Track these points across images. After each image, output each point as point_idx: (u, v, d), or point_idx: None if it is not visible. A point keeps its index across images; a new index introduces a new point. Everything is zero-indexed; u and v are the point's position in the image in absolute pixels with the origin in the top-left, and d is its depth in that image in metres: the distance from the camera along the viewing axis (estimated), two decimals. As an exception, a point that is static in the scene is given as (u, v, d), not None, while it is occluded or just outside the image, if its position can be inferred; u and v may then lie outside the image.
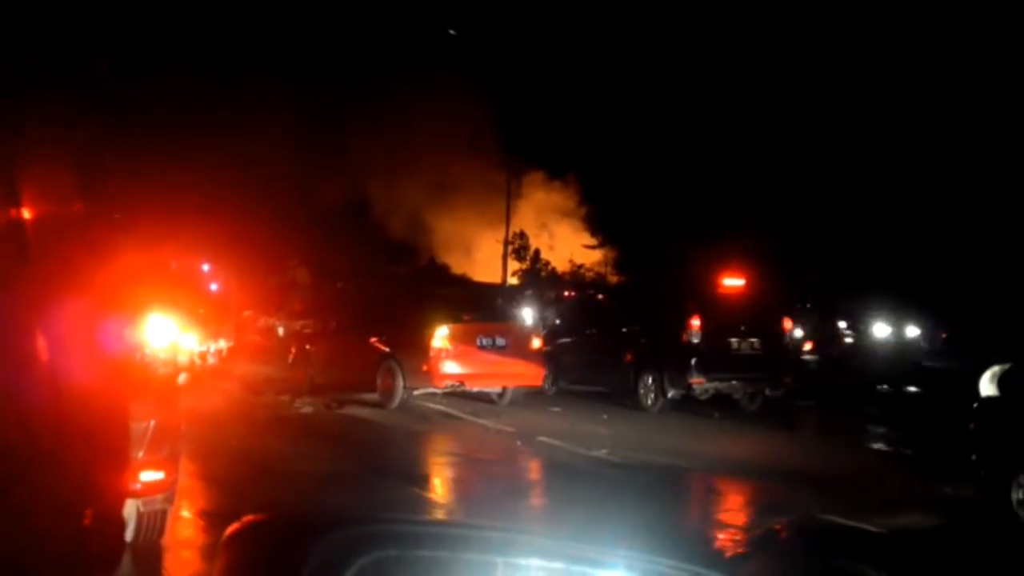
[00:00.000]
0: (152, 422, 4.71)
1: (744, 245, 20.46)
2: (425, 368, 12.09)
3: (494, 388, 12.88)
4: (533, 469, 9.41)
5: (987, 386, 6.50)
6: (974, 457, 6.39)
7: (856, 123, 23.86)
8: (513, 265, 30.06)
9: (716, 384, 12.87)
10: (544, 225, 32.27)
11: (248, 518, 1.16)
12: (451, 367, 12.15)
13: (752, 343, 13.29)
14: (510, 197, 27.51)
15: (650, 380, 13.03)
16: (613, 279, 30.80)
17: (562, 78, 28.28)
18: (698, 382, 12.70)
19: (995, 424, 6.36)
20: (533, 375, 12.83)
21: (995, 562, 5.44)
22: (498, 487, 7.94)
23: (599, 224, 32.25)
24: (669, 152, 27.06)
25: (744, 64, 25.32)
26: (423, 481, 8.18)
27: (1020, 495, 6.03)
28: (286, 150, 26.53)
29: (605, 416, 12.12)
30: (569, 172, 31.14)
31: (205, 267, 20.13)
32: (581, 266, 32.61)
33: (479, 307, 13.78)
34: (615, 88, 27.98)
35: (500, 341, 12.61)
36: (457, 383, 12.25)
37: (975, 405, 6.48)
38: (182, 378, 7.05)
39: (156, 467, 4.76)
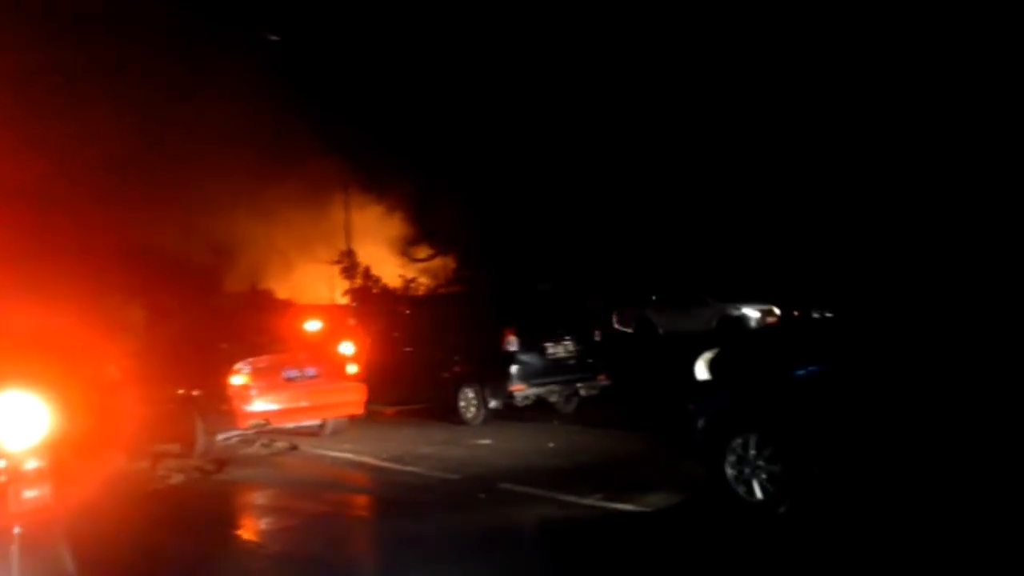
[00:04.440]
0: None
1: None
2: (224, 409, 11.11)
3: (307, 422, 12.05)
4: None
5: (701, 371, 7.52)
6: (697, 439, 7.09)
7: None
8: (343, 285, 30.20)
9: (536, 390, 13.16)
10: (376, 242, 32.34)
11: None
12: (254, 405, 11.17)
13: (566, 346, 13.62)
14: (348, 213, 27.28)
15: (471, 393, 13.29)
16: (444, 291, 31.33)
17: (386, 85, 28.51)
18: (519, 389, 12.95)
19: (707, 404, 7.16)
20: (352, 403, 12.18)
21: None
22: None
23: (433, 236, 32.68)
24: (493, 158, 27.77)
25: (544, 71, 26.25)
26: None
27: (731, 471, 6.86)
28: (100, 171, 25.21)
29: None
30: (394, 183, 31.28)
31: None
32: (413, 280, 32.87)
33: (283, 336, 12.50)
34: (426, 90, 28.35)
35: (310, 371, 11.87)
36: (262, 421, 11.30)
37: (692, 388, 7.39)
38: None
39: None
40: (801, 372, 6.73)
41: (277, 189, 29.26)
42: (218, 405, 11.18)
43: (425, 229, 32.38)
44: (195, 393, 11.48)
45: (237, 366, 11.33)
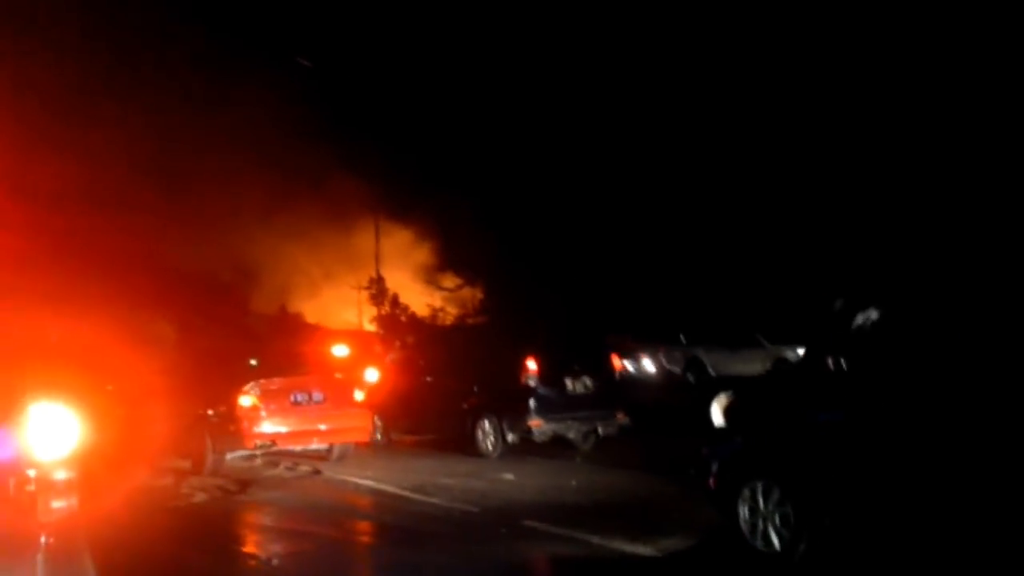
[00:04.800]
0: None
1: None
2: (232, 429, 11.49)
3: (313, 446, 12.32)
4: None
5: (715, 414, 7.46)
6: (710, 482, 7.01)
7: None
8: (371, 311, 30.40)
9: (554, 426, 13.09)
10: (405, 269, 32.52)
11: None
12: (261, 426, 11.54)
13: (585, 382, 13.58)
14: (378, 240, 27.50)
15: (488, 425, 13.23)
16: (471, 321, 31.42)
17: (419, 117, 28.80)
18: (537, 424, 12.90)
19: (721, 449, 7.07)
20: (357, 430, 12.50)
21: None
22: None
23: (461, 265, 32.83)
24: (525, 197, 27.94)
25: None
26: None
27: (744, 517, 6.76)
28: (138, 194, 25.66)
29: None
30: (430, 213, 31.40)
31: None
32: (441, 309, 33.01)
33: (294, 360, 12.91)
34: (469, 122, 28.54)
35: (317, 396, 12.18)
36: (268, 443, 11.67)
37: (708, 434, 7.35)
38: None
39: None
40: (820, 417, 6.63)
41: (306, 211, 29.58)
42: (227, 425, 11.52)
43: (453, 258, 32.51)
44: (208, 412, 11.82)
45: (247, 387, 11.71)
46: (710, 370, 21.05)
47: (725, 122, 23.55)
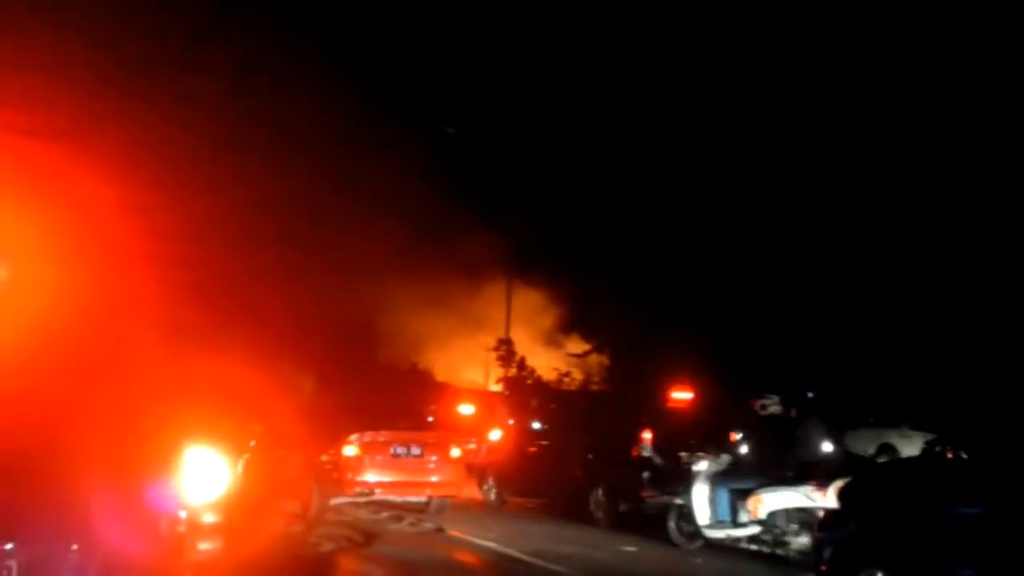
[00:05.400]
0: None
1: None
2: (336, 476, 12.39)
3: (408, 497, 13.00)
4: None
5: (830, 499, 7.17)
6: (822, 568, 6.76)
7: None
8: (498, 371, 30.53)
9: (667, 499, 12.64)
10: (532, 331, 32.62)
11: None
12: (362, 475, 12.40)
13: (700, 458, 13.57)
14: (510, 302, 27.80)
15: (601, 494, 13.20)
16: (595, 388, 31.18)
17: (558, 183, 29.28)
18: (649, 496, 12.74)
19: (835, 534, 6.87)
20: (452, 484, 13.09)
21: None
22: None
23: (591, 331, 32.71)
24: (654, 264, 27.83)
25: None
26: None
27: None
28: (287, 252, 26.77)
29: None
30: (562, 277, 31.55)
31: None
32: (567, 374, 32.87)
33: (399, 416, 13.74)
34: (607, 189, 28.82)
35: (415, 450, 12.90)
36: (367, 491, 12.48)
37: (821, 516, 7.07)
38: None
39: None
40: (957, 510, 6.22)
41: (441, 270, 30.19)
42: (331, 472, 12.44)
43: (583, 324, 32.46)
44: (319, 460, 12.64)
45: (352, 438, 12.60)
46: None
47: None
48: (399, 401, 15.94)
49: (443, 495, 13.09)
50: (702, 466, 10.82)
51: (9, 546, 3.82)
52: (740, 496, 10.38)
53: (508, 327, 28.53)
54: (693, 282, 26.55)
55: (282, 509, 12.29)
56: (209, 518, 5.01)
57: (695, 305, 26.23)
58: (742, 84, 25.66)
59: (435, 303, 30.84)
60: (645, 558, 10.63)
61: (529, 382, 31.01)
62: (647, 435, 13.08)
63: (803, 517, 9.56)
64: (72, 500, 4.01)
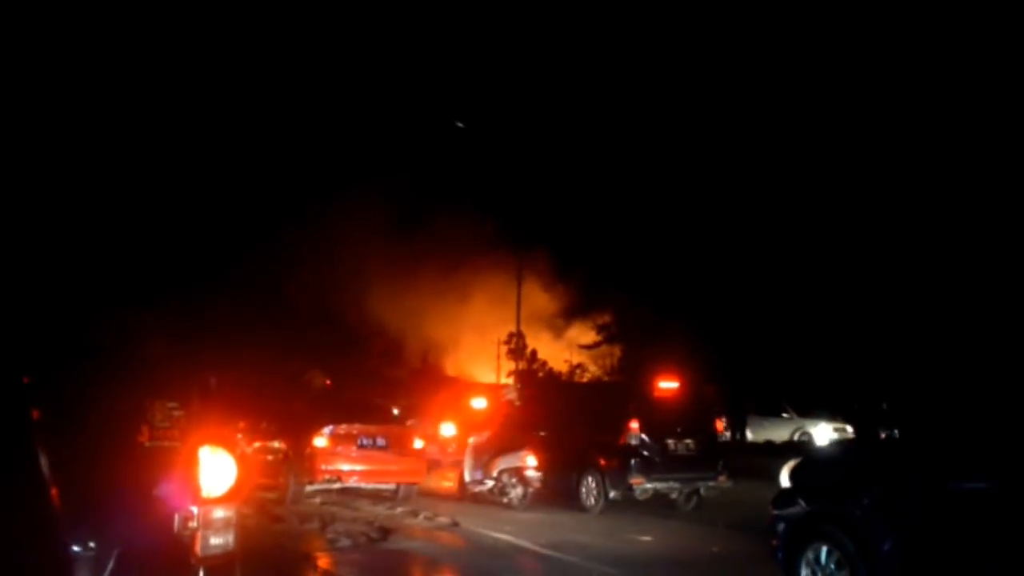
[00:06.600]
0: None
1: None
2: (308, 465, 13.51)
3: (377, 484, 14.12)
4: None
5: (783, 478, 7.29)
6: (774, 543, 6.92)
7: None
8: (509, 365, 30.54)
9: (655, 485, 13.37)
10: (544, 325, 32.63)
11: None
12: (332, 464, 13.55)
13: (687, 444, 13.81)
14: (520, 293, 27.95)
15: (592, 481, 13.50)
16: (607, 380, 31.17)
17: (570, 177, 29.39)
18: (638, 482, 13.21)
19: (786, 511, 6.97)
20: (412, 473, 14.22)
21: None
22: None
23: (601, 326, 32.68)
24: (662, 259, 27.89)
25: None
26: None
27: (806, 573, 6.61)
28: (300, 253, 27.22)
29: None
30: (576, 269, 31.59)
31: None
32: (579, 366, 32.89)
33: (366, 411, 14.96)
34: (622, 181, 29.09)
35: (380, 441, 14.07)
36: (334, 478, 13.57)
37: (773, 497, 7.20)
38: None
39: None
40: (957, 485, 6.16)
41: (456, 269, 30.33)
42: (303, 461, 13.55)
43: (595, 315, 32.48)
44: (292, 452, 13.87)
45: (324, 430, 13.72)
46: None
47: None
48: (366, 397, 17.79)
49: (408, 483, 14.19)
50: None
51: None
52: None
53: (519, 320, 28.52)
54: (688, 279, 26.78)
55: (261, 496, 13.26)
56: (220, 513, 4.95)
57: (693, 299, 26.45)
58: (742, 84, 25.74)
59: (449, 302, 31.08)
60: (657, 548, 10.62)
61: (540, 375, 31.03)
62: (634, 424, 13.48)
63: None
64: (89, 499, 3.97)
